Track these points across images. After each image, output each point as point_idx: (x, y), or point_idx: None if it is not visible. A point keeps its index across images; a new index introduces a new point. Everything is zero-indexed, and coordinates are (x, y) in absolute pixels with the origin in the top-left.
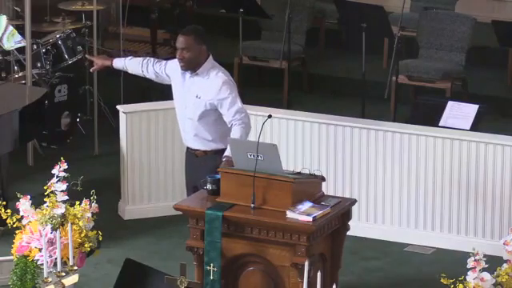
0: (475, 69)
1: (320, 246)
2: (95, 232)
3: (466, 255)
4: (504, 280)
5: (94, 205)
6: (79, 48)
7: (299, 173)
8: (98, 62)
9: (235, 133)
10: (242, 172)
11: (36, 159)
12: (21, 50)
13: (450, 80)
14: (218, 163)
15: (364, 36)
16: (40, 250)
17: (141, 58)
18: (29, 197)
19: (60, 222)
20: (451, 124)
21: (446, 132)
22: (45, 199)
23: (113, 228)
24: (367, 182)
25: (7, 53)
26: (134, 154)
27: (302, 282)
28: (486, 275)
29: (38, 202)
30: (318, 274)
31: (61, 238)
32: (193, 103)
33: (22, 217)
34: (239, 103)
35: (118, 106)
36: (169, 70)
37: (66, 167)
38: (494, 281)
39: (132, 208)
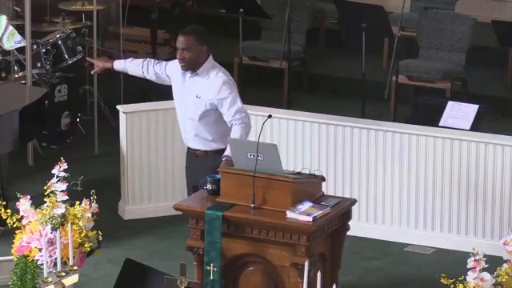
0: (475, 69)
1: (320, 246)
2: (95, 232)
3: (466, 255)
4: (504, 280)
5: (94, 205)
6: (79, 48)
7: (299, 173)
8: (99, 64)
9: (235, 132)
10: (242, 172)
11: (36, 159)
12: (21, 50)
13: (450, 80)
14: (218, 163)
15: (364, 36)
16: (40, 250)
17: (141, 60)
18: (29, 197)
19: (60, 222)
20: (451, 124)
21: (445, 132)
22: (45, 199)
23: (113, 228)
24: (367, 182)
25: (7, 53)
26: (134, 154)
27: (302, 282)
28: (486, 275)
29: (37, 202)
30: (318, 274)
31: (61, 238)
32: (193, 103)
33: (22, 217)
34: (239, 103)
35: (118, 106)
36: (169, 71)
37: (66, 167)
38: (493, 281)
39: (132, 208)
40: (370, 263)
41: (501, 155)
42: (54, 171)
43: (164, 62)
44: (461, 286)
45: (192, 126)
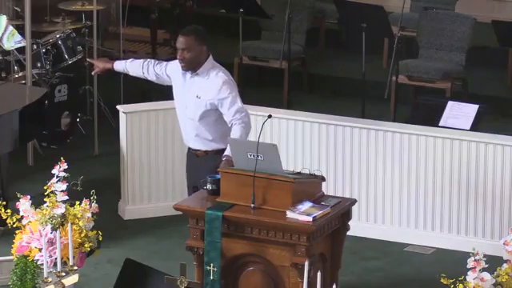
0: (475, 69)
1: (320, 246)
2: (95, 232)
3: (466, 255)
4: (504, 280)
5: (94, 205)
6: (79, 48)
7: (299, 173)
8: (99, 65)
9: (235, 132)
10: (242, 172)
11: (36, 159)
12: (21, 50)
13: (450, 80)
14: (218, 163)
15: (364, 36)
16: (40, 250)
17: (141, 60)
18: (29, 197)
19: (60, 222)
20: (451, 124)
21: (445, 132)
22: (45, 199)
23: (113, 228)
24: (367, 182)
25: (7, 53)
26: (134, 154)
27: (302, 282)
28: (486, 275)
29: (37, 202)
30: (318, 274)
31: (61, 237)
32: (193, 103)
33: (22, 217)
34: (239, 103)
35: (118, 106)
36: (169, 71)
37: (66, 167)
38: (493, 281)
39: (132, 208)
40: (370, 263)
41: (501, 155)
42: (54, 171)
43: (164, 63)
44: (461, 286)
45: (192, 126)
